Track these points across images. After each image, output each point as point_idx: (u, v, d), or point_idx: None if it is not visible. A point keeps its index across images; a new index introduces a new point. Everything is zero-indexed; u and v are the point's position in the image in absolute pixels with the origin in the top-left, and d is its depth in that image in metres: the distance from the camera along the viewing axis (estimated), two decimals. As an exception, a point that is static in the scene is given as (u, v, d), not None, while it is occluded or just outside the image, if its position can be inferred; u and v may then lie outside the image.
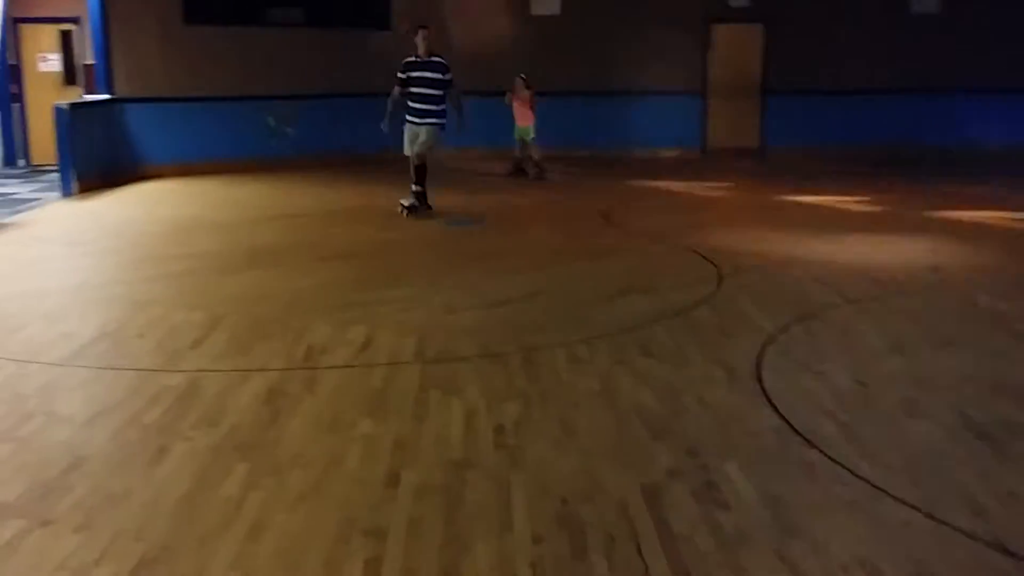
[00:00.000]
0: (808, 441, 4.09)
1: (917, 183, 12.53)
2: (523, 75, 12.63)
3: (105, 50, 12.45)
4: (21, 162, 14.59)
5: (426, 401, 4.57)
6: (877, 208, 10.64)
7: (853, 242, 8.53)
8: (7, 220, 9.44)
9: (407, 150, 9.63)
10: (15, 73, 14.48)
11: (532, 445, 4.06)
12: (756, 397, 4.64)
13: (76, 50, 14.72)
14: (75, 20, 14.42)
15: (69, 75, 14.80)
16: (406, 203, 9.60)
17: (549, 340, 5.52)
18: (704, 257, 7.72)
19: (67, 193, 11.02)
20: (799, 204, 10.96)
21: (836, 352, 5.39)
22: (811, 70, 15.52)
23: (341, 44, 13.95)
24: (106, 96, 12.45)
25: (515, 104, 12.63)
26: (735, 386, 4.81)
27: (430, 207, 9.70)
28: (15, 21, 14.31)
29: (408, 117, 9.61)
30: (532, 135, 12.59)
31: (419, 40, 9.48)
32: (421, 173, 9.61)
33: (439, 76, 9.48)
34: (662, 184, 12.60)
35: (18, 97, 14.54)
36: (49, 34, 14.72)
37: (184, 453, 3.93)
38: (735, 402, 4.60)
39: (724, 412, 4.47)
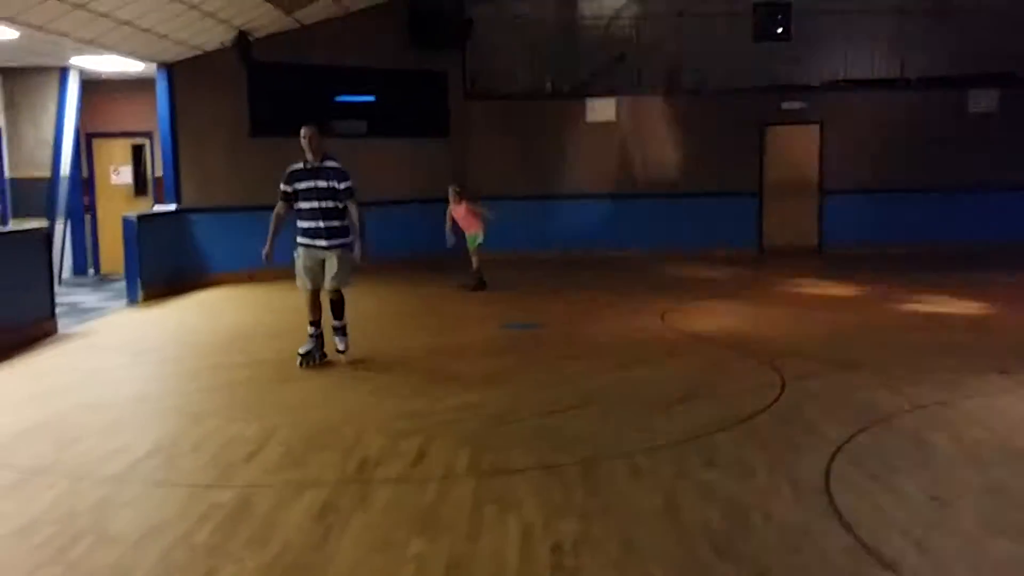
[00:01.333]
0: (882, 562, 3.85)
1: (971, 280, 12.20)
2: (456, 187, 12.01)
3: (174, 163, 12.85)
4: (90, 271, 15.00)
5: (480, 517, 4.44)
6: (939, 308, 10.35)
7: (916, 342, 8.28)
8: (74, 329, 9.62)
9: (301, 283, 7.83)
10: (87, 185, 15.01)
11: (592, 566, 3.89)
12: (825, 513, 4.41)
13: (147, 163, 15.24)
14: (147, 135, 14.97)
15: (140, 187, 15.29)
16: (302, 351, 7.73)
17: (608, 450, 5.37)
18: (765, 362, 7.53)
19: (133, 301, 11.25)
20: (859, 302, 10.72)
21: (907, 463, 5.14)
22: (868, 168, 15.45)
23: (402, 152, 14.24)
24: (173, 207, 12.79)
25: (457, 216, 11.91)
26: (803, 501, 4.59)
27: (339, 352, 7.91)
28: (88, 136, 14.91)
29: (299, 239, 7.82)
30: (480, 240, 11.95)
31: (304, 144, 7.82)
32: (339, 308, 7.91)
33: (334, 185, 7.68)
34: (719, 286, 12.46)
35: (89, 208, 15.05)
36: (122, 148, 15.28)
37: (232, 576, 3.84)
38: (803, 519, 4.38)
39: (792, 530, 4.25)
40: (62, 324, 9.61)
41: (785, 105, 15.48)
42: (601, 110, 15.30)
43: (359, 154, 13.79)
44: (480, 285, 11.93)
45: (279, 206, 7.92)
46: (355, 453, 5.42)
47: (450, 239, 11.80)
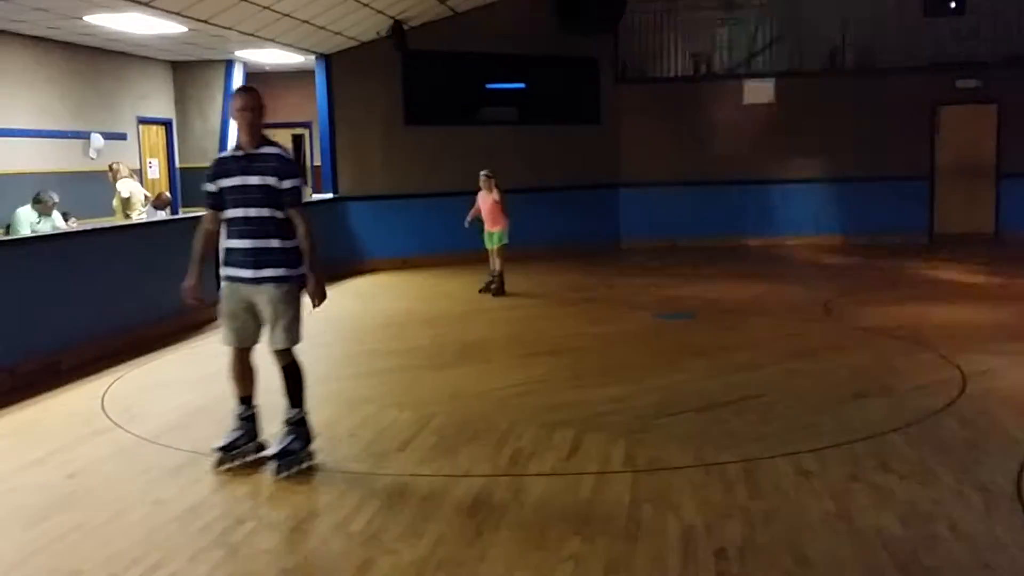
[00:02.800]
0: (1093, 586, 3.46)
1: None
2: (488, 172, 10.76)
3: (331, 152, 13.15)
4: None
5: (639, 516, 4.25)
6: None
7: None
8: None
9: (226, 338, 5.13)
10: (252, 175, 15.51)
11: (760, 575, 3.64)
12: (1020, 524, 4.01)
13: (306, 152, 15.66)
14: (306, 125, 15.38)
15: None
16: (218, 444, 5.04)
17: (772, 449, 5.08)
18: (942, 356, 7.02)
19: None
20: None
21: (1115, 473, 4.64)
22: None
23: (552, 139, 14.12)
24: (330, 195, 13.08)
25: (484, 206, 10.69)
26: (994, 511, 4.19)
27: (273, 459, 4.93)
28: (253, 128, 15.41)
29: (224, 268, 5.09)
30: (504, 240, 10.66)
31: (236, 119, 4.93)
32: (295, 387, 5.25)
33: (270, 183, 4.85)
34: (888, 274, 11.79)
35: (254, 197, 15.54)
36: (282, 138, 15.72)
37: (388, 569, 3.78)
38: (996, 531, 4.00)
39: (983, 543, 3.88)
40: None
41: (960, 83, 14.51)
42: (759, 91, 14.73)
43: (510, 141, 13.84)
44: (500, 289, 10.63)
45: (205, 218, 5.10)
46: (507, 444, 5.32)
47: (467, 223, 10.75)
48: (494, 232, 10.71)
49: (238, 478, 4.87)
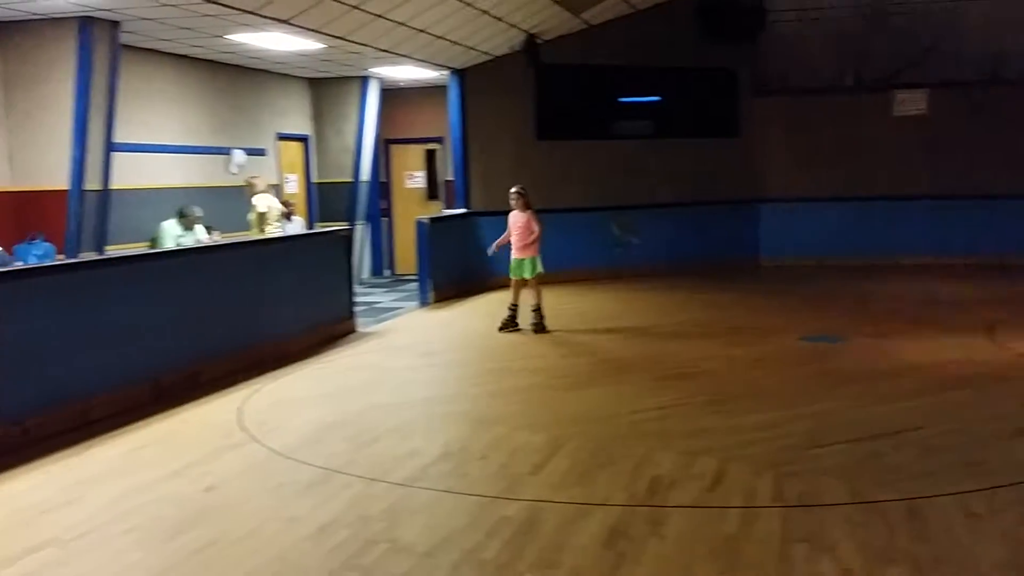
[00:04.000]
0: None
1: None
2: (520, 188, 9.52)
3: (463, 167, 13.17)
4: (387, 272, 15.72)
5: (791, 557, 3.95)
6: None
7: None
8: (371, 328, 10.00)
9: None
10: (385, 190, 15.76)
11: (928, 630, 3.31)
12: None
13: (439, 168, 15.77)
14: (439, 140, 15.48)
15: (432, 191, 15.85)
16: None
17: (935, 487, 4.68)
18: (1126, 389, 6.41)
19: (424, 303, 11.58)
20: None
21: None
22: None
23: (688, 153, 13.79)
24: (462, 210, 13.09)
25: (515, 227, 9.39)
26: None
27: None
28: (387, 142, 15.64)
29: None
30: (539, 268, 9.33)
31: None
32: None
33: None
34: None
35: (387, 212, 15.79)
36: (415, 154, 15.91)
37: (522, 601, 3.61)
38: None
39: None
40: (360, 323, 10.01)
41: None
42: (911, 102, 14.01)
43: (644, 155, 13.58)
44: (540, 325, 9.30)
45: None
46: (645, 471, 5.08)
47: (492, 250, 9.73)
48: (524, 259, 9.27)
49: (371, 497, 4.79)
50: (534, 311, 9.30)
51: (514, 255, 9.41)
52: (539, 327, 9.25)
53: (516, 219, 9.39)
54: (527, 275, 9.26)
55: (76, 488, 5.00)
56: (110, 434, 5.98)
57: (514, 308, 9.39)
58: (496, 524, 4.37)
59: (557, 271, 12.96)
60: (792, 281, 12.96)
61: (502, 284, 12.71)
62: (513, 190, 9.39)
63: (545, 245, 13.09)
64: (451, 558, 4.02)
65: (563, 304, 11.50)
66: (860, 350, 8.34)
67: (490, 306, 11.63)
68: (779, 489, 4.77)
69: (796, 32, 14.16)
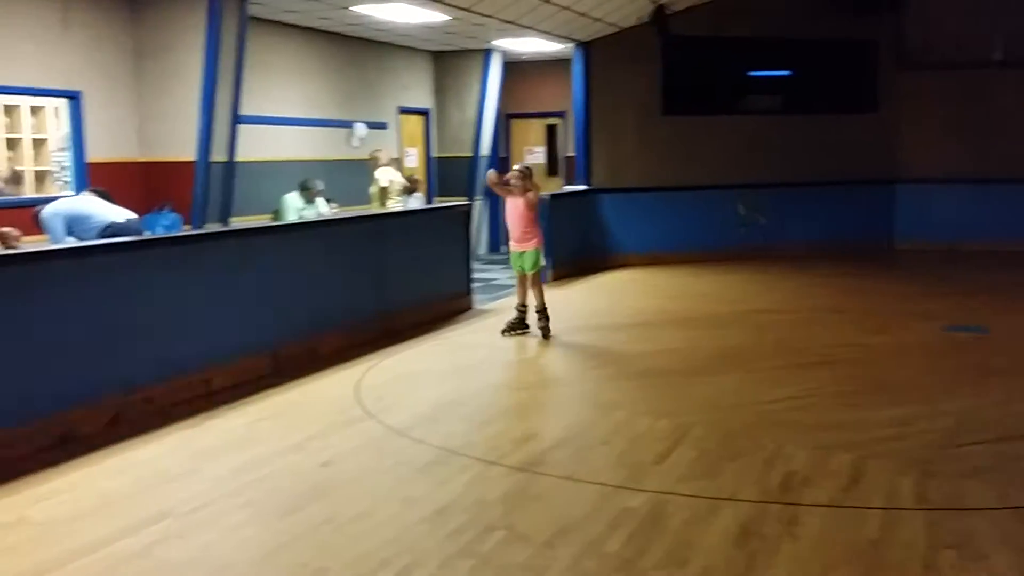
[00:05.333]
0: None
1: None
2: (524, 167, 8.33)
3: (585, 142, 12.90)
4: (504, 248, 15.58)
5: (937, 565, 3.62)
6: None
7: None
8: (488, 306, 9.88)
9: None
10: (504, 165, 15.59)
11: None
12: None
13: (559, 143, 15.54)
14: (560, 115, 15.25)
15: (552, 167, 15.64)
16: None
17: (1103, 498, 4.25)
18: None
19: (542, 280, 11.36)
20: None
21: None
22: None
23: (820, 130, 13.16)
24: (583, 187, 12.84)
25: (514, 213, 8.14)
26: None
27: None
28: (507, 117, 15.48)
29: None
30: (540, 263, 8.22)
31: None
32: None
33: None
34: None
35: (505, 187, 15.63)
36: (537, 128, 15.72)
37: (647, 602, 3.39)
38: None
39: None
40: (477, 300, 9.90)
41: None
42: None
43: (774, 131, 13.04)
44: (546, 330, 8.08)
45: None
46: (776, 466, 4.78)
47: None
48: (524, 251, 8.08)
49: (489, 481, 4.63)
50: (539, 312, 8.07)
51: (513, 247, 8.16)
52: (546, 332, 8.03)
53: (514, 204, 8.09)
54: (528, 269, 8.08)
55: (195, 459, 5.00)
56: (229, 405, 6.01)
57: (523, 308, 8.20)
58: (619, 515, 4.16)
59: (679, 251, 12.65)
60: (931, 265, 12.27)
61: (623, 262, 12.48)
62: (516, 168, 8.25)
63: (668, 224, 12.83)
64: (572, 550, 3.82)
65: (686, 285, 11.17)
66: (1008, 341, 7.77)
67: (611, 284, 11.39)
68: (922, 490, 4.42)
69: (940, 2, 13.29)
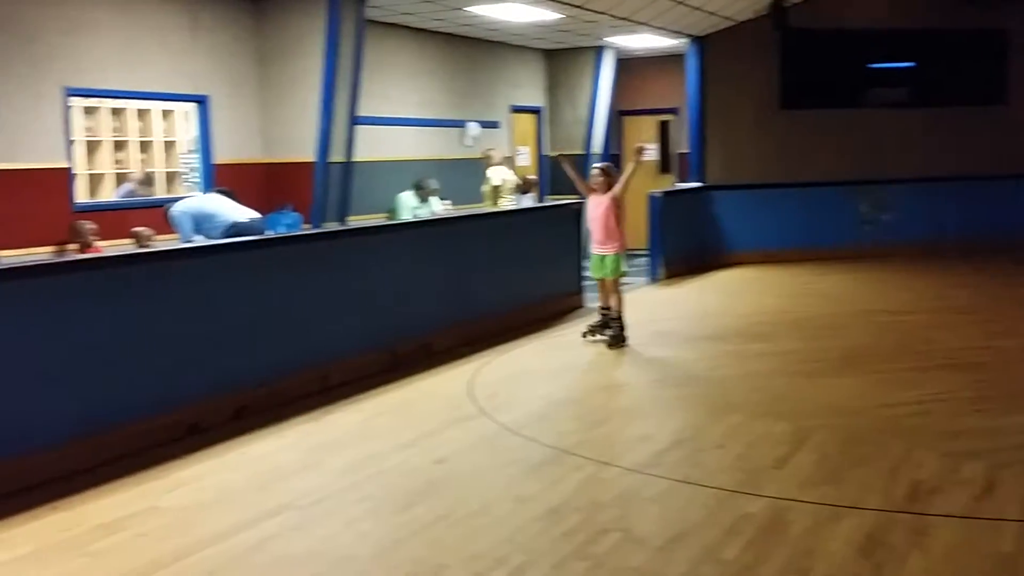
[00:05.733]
0: None
1: None
2: (604, 165, 7.89)
3: (699, 138, 12.70)
4: (615, 246, 15.48)
5: (1083, 585, 3.42)
6: None
7: None
8: (597, 305, 9.80)
9: None
10: (616, 162, 15.48)
11: None
12: None
13: (672, 139, 15.35)
14: (674, 111, 15.05)
15: (664, 164, 15.45)
16: None
17: None
18: None
19: (654, 278, 11.27)
20: None
21: None
22: None
23: (945, 123, 12.63)
24: (697, 184, 12.64)
25: (595, 213, 7.68)
26: None
27: None
28: (619, 114, 15.36)
29: None
30: (623, 268, 7.73)
31: None
32: None
33: None
34: None
35: (617, 185, 15.52)
36: (649, 125, 15.55)
37: (767, 611, 3.30)
38: None
39: None
40: (588, 298, 9.84)
41: None
42: None
43: (898, 125, 12.58)
44: (619, 337, 7.63)
45: None
46: (902, 474, 4.60)
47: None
48: (606, 255, 7.62)
49: (602, 482, 4.60)
50: (614, 320, 7.61)
51: (594, 250, 7.69)
52: (618, 339, 7.57)
53: (597, 205, 7.64)
54: (610, 275, 7.62)
55: (314, 453, 5.11)
56: (347, 400, 6.12)
57: (606, 310, 7.77)
58: (737, 521, 4.06)
59: (797, 249, 12.33)
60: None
61: (737, 261, 12.24)
62: (596, 167, 7.80)
63: (785, 221, 12.50)
64: (688, 554, 3.75)
65: (805, 284, 10.88)
66: None
67: (725, 283, 11.19)
68: (1064, 503, 4.18)
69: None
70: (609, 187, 7.59)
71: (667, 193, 11.83)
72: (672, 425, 5.57)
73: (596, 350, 7.67)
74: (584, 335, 7.77)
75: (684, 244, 11.81)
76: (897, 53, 13.02)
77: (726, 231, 12.53)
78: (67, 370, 4.85)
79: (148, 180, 9.34)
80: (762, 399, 6.12)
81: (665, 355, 7.64)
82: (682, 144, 14.60)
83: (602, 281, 7.74)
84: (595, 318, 7.95)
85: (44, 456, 4.66)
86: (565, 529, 4.02)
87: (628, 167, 7.77)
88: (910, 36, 12.74)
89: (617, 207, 7.56)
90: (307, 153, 9.16)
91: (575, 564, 3.68)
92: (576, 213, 9.91)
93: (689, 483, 4.57)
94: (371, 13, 9.69)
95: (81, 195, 8.78)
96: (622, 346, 7.53)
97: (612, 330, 7.59)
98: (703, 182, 12.67)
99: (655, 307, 9.79)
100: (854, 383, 6.42)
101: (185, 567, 3.70)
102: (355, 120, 9.45)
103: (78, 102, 8.67)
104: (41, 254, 7.21)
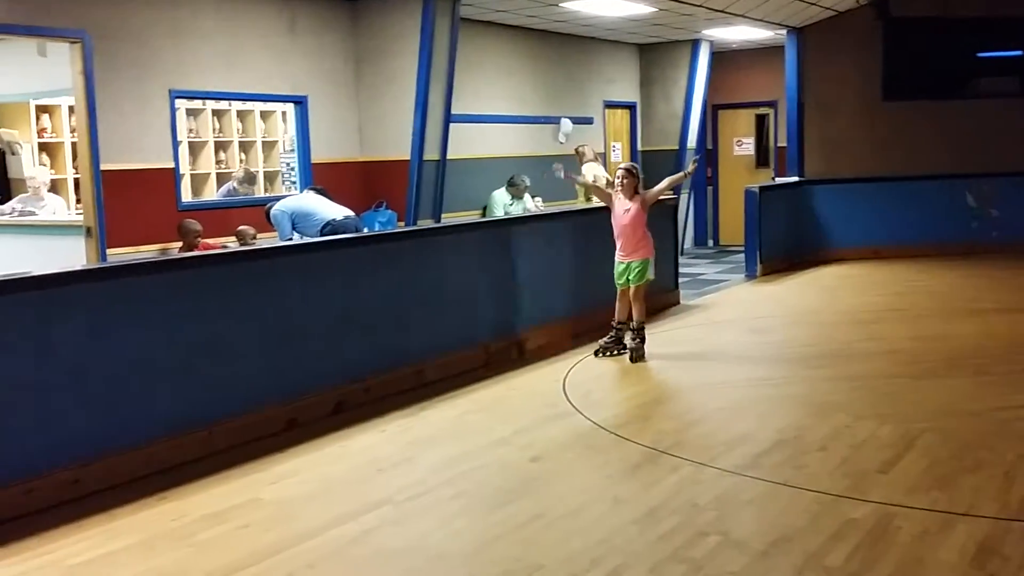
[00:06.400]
0: None
1: None
2: (631, 165, 7.24)
3: (798, 132, 12.41)
4: (710, 243, 15.27)
5: None
6: None
7: None
8: (693, 301, 9.68)
9: None
10: (711, 157, 15.27)
11: None
12: None
13: (770, 133, 15.04)
14: (771, 104, 14.74)
15: (761, 158, 15.16)
16: None
17: None
18: None
19: (751, 276, 11.06)
20: None
21: None
22: None
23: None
24: (795, 178, 12.36)
25: (621, 219, 7.03)
26: None
27: None
28: (715, 108, 15.12)
29: None
30: (648, 275, 7.05)
31: None
32: None
33: None
34: None
35: (712, 180, 15.31)
36: (745, 119, 15.27)
37: (875, 621, 3.19)
38: None
39: None
40: (683, 295, 9.72)
41: None
42: None
43: (1008, 116, 12.07)
44: (639, 351, 6.99)
45: None
46: (1019, 480, 4.41)
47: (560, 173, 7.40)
48: (632, 262, 6.97)
49: (700, 483, 4.51)
50: (635, 331, 6.99)
51: (620, 257, 7.02)
52: (638, 353, 6.95)
53: (624, 210, 6.98)
54: (635, 280, 6.96)
55: (410, 449, 5.15)
56: (442, 397, 6.15)
57: (620, 326, 7.10)
58: (842, 527, 3.94)
59: (900, 245, 11.95)
60: None
61: (837, 257, 11.92)
62: (622, 167, 7.14)
63: (888, 217, 12.11)
64: (791, 560, 3.65)
65: (909, 281, 10.53)
66: None
67: (826, 280, 10.91)
68: None
69: None
70: (636, 189, 6.97)
71: (764, 188, 11.57)
72: (772, 426, 5.43)
73: (692, 347, 7.56)
74: (596, 354, 7.09)
75: (782, 240, 11.55)
76: (1007, 41, 12.49)
77: (826, 227, 12.21)
78: (177, 365, 4.98)
79: (250, 178, 9.56)
80: (866, 400, 5.93)
81: (763, 353, 7.48)
82: (780, 138, 14.28)
83: (624, 291, 7.06)
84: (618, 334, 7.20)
85: (154, 447, 4.80)
86: (662, 531, 3.95)
87: (674, 176, 7.34)
88: (1019, 23, 12.20)
89: (647, 211, 7.00)
90: (402, 151, 9.26)
91: (673, 567, 3.62)
92: (672, 209, 9.78)
93: (790, 486, 4.45)
94: (465, 11, 9.73)
95: (186, 195, 9.04)
96: (642, 358, 6.92)
97: (633, 341, 6.95)
98: (802, 176, 12.37)
99: (752, 304, 9.61)
100: (963, 384, 6.18)
101: (286, 559, 3.77)
102: (449, 118, 9.51)
103: (183, 104, 8.93)
104: (149, 252, 7.45)
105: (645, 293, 7.01)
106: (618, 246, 7.02)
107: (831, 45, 12.10)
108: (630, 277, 6.96)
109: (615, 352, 7.08)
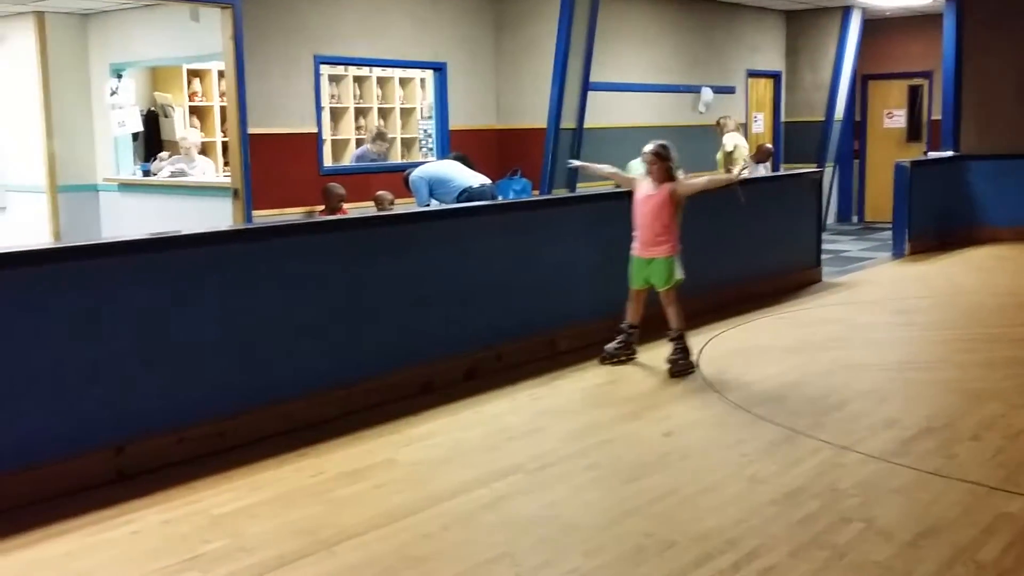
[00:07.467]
0: None
1: None
2: (658, 145, 5.99)
3: (955, 105, 11.76)
4: (854, 219, 14.71)
5: None
6: None
7: None
8: (838, 279, 9.34)
9: None
10: (858, 130, 14.67)
11: None
12: None
13: (923, 106, 14.33)
14: (926, 75, 14.03)
15: (913, 131, 14.47)
16: None
17: None
18: None
19: (898, 254, 10.59)
20: None
21: None
22: None
23: None
24: (950, 153, 11.74)
25: (643, 207, 5.99)
26: None
27: None
28: (865, 78, 14.49)
29: None
30: (677, 275, 5.96)
31: None
32: None
33: None
34: None
35: (859, 154, 14.72)
36: (897, 90, 14.58)
37: (1034, 624, 2.99)
38: None
39: None
40: (826, 273, 9.38)
41: None
42: None
43: None
44: (682, 364, 5.94)
45: None
46: None
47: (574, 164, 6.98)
48: (653, 259, 5.96)
49: (842, 467, 4.34)
50: (674, 341, 5.99)
51: (638, 252, 6.03)
52: (682, 365, 5.93)
53: (647, 195, 5.98)
54: (658, 284, 5.98)
55: (542, 417, 5.14)
56: (573, 367, 6.11)
57: (632, 330, 6.19)
58: (996, 520, 3.72)
59: None
60: None
61: (993, 237, 11.28)
62: (647, 149, 5.98)
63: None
64: (940, 553, 3.47)
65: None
66: None
67: (980, 260, 10.37)
68: None
69: None
70: (665, 174, 5.94)
71: (916, 163, 11.03)
72: (920, 411, 5.18)
73: (834, 327, 7.29)
74: (602, 360, 6.20)
75: (934, 218, 11.00)
76: None
77: (980, 205, 11.55)
78: (318, 325, 5.10)
79: (382, 136, 9.60)
80: (1023, 388, 5.59)
81: (911, 335, 7.15)
82: (935, 111, 13.58)
83: (638, 292, 6.12)
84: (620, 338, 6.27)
85: (297, 404, 4.93)
86: (802, 515, 3.82)
87: (719, 179, 6.61)
88: None
89: (674, 202, 5.93)
90: (539, 120, 9.21)
91: (814, 553, 3.49)
92: (816, 183, 9.45)
93: (940, 476, 4.23)
94: (605, -22, 9.58)
95: (327, 160, 9.24)
96: (689, 372, 5.91)
97: (675, 354, 5.96)
98: (956, 151, 11.73)
99: (900, 284, 9.20)
100: None
101: (420, 520, 3.81)
102: (587, 86, 9.40)
103: (326, 70, 9.10)
104: (293, 214, 7.65)
105: (677, 295, 6.00)
106: (635, 238, 6.07)
107: (995, 13, 11.39)
108: (653, 280, 5.98)
109: (623, 359, 6.20)
